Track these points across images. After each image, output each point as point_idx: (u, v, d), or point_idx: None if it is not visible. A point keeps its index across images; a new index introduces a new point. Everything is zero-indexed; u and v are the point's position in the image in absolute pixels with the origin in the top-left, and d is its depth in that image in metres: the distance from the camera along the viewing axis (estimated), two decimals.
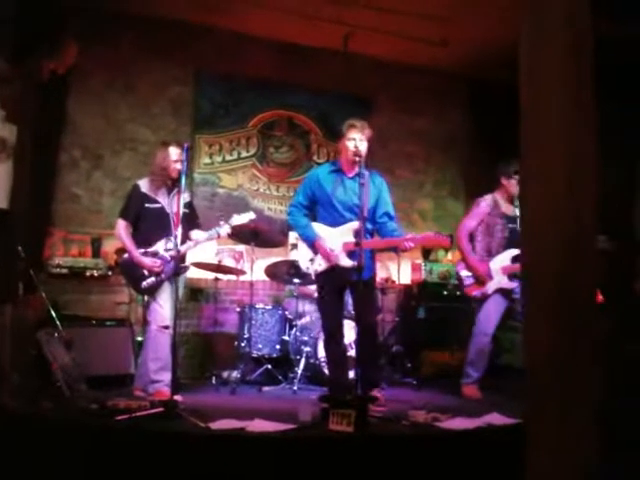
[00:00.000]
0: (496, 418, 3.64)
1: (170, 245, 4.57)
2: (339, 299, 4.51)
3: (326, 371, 5.08)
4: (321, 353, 5.33)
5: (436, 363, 6.29)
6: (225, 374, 5.62)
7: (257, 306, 5.87)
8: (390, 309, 6.57)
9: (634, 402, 3.29)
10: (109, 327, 5.47)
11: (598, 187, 2.14)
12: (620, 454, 2.61)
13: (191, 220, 4.82)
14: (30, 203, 5.44)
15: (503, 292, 4.95)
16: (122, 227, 4.67)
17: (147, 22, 6.39)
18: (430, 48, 6.83)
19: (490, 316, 4.99)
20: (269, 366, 5.67)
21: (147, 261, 4.57)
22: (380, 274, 5.83)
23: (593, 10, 2.16)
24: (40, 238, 5.84)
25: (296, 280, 5.72)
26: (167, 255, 4.58)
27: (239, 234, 5.34)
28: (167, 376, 4.31)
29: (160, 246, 4.62)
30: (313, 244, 4.41)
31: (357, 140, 4.33)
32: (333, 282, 4.43)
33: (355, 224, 4.22)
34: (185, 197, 4.65)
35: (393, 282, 6.32)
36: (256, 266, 5.73)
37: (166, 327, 4.45)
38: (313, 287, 5.93)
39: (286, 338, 5.77)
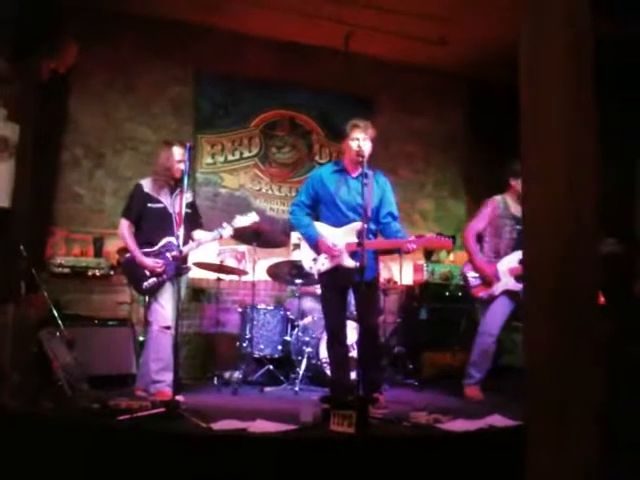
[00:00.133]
0: (498, 420, 3.63)
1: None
2: (342, 299, 4.50)
3: (328, 372, 5.08)
4: (323, 354, 5.33)
5: (438, 364, 6.28)
6: (227, 374, 5.62)
7: (259, 306, 5.86)
8: (392, 310, 6.56)
9: (635, 404, 3.28)
10: (111, 327, 5.48)
11: (598, 187, 2.14)
12: (621, 455, 2.60)
13: (193, 220, 4.81)
14: (32, 202, 5.45)
15: (510, 294, 4.93)
16: (125, 227, 4.67)
17: (147, 22, 6.38)
18: (430, 48, 6.83)
19: (496, 317, 4.97)
20: (271, 367, 5.67)
21: (149, 261, 4.57)
22: (382, 275, 5.82)
23: (593, 10, 2.16)
24: (42, 237, 5.84)
25: (298, 280, 5.72)
26: (169, 256, 4.58)
27: (241, 234, 5.34)
28: (169, 376, 4.31)
29: (169, 240, 4.61)
30: (315, 243, 4.40)
31: (360, 140, 4.33)
32: (336, 282, 4.42)
33: (358, 224, 4.22)
34: (188, 197, 4.65)
35: (395, 283, 6.31)
36: (258, 266, 5.74)
37: (167, 327, 4.46)
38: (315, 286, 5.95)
39: (288, 339, 5.76)
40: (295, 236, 6.38)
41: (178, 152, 4.67)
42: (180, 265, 4.40)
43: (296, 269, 5.64)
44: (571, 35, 2.14)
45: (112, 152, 6.42)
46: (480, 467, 3.24)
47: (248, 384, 5.50)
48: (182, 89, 6.72)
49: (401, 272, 6.10)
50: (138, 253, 4.58)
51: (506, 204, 5.06)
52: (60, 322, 4.80)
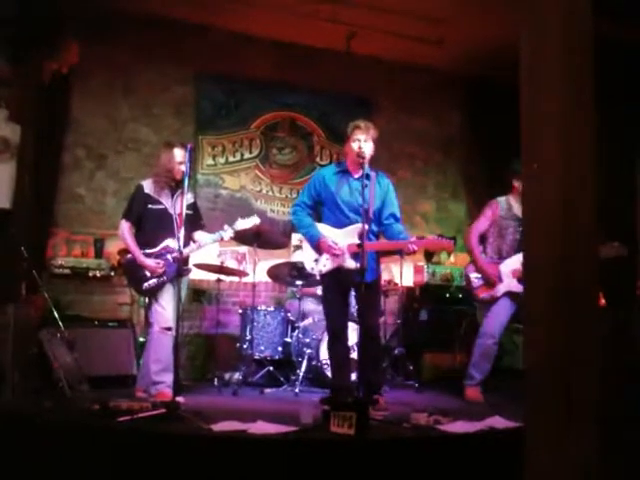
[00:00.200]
0: (498, 421, 3.62)
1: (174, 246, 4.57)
2: (343, 300, 4.50)
3: (328, 373, 5.08)
4: (323, 355, 5.33)
5: (438, 365, 6.27)
6: (227, 376, 5.63)
7: (259, 308, 5.87)
8: (392, 311, 6.55)
9: (636, 405, 3.28)
10: (111, 328, 5.49)
11: (598, 187, 2.14)
12: (621, 456, 2.60)
13: (195, 221, 4.81)
14: (33, 203, 5.47)
15: (512, 295, 4.92)
16: (125, 228, 4.67)
17: (147, 23, 6.37)
18: (429, 48, 6.83)
19: (498, 319, 4.96)
20: (271, 368, 5.66)
21: (150, 262, 4.57)
22: (383, 276, 5.82)
23: (594, 10, 2.16)
24: (43, 238, 5.85)
25: (298, 282, 5.71)
26: (170, 257, 4.58)
27: (242, 236, 5.34)
28: (169, 377, 4.31)
29: (169, 243, 4.61)
30: (316, 243, 4.39)
31: (361, 141, 4.33)
32: (337, 283, 4.42)
33: (360, 226, 4.21)
34: (189, 198, 4.65)
35: (395, 284, 6.31)
36: (258, 268, 5.73)
37: (168, 329, 4.45)
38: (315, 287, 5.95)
39: (288, 340, 5.76)
40: (296, 237, 6.38)
41: (179, 154, 4.66)
42: (181, 266, 4.40)
43: (296, 270, 5.64)
44: (571, 35, 2.14)
45: (113, 153, 6.42)
46: (480, 469, 3.24)
47: (248, 385, 5.50)
48: (183, 90, 6.72)
49: (401, 274, 6.10)
50: (139, 254, 4.58)
51: (509, 205, 5.06)
52: (60, 323, 4.80)
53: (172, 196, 4.72)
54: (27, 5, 5.28)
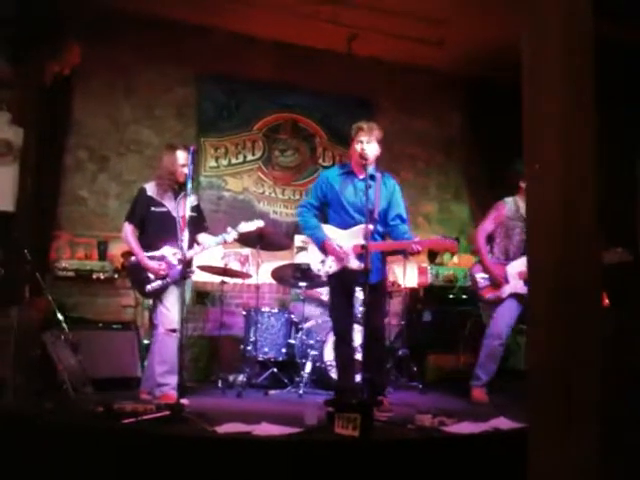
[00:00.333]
0: (503, 422, 3.62)
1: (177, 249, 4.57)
2: (349, 301, 4.51)
3: (332, 374, 5.08)
4: (327, 357, 5.33)
5: (442, 367, 6.27)
6: (231, 377, 5.63)
7: (263, 309, 5.86)
8: (396, 312, 6.55)
9: (637, 406, 3.27)
10: (115, 330, 5.49)
11: (598, 188, 2.14)
12: (622, 457, 2.59)
13: (198, 224, 4.80)
14: (36, 206, 5.47)
15: (518, 297, 4.92)
16: (129, 230, 4.67)
17: (147, 23, 6.37)
18: (430, 49, 6.84)
19: (504, 320, 4.96)
20: (275, 369, 5.66)
21: (153, 264, 4.57)
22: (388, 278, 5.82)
23: (594, 11, 2.16)
24: (46, 241, 5.86)
25: (302, 283, 5.71)
26: (174, 259, 4.58)
27: (245, 238, 5.34)
28: (173, 379, 4.32)
29: (167, 251, 4.61)
30: (322, 245, 4.40)
31: (364, 143, 4.34)
32: (343, 284, 4.42)
33: (365, 226, 4.21)
34: (192, 200, 4.63)
35: (399, 285, 6.31)
36: (262, 269, 5.73)
37: (173, 330, 4.44)
38: (319, 290, 5.94)
39: (292, 341, 5.76)
40: (299, 239, 6.38)
41: (182, 156, 4.66)
42: (185, 268, 4.40)
43: (300, 272, 5.64)
44: (572, 36, 2.14)
45: (116, 155, 6.43)
46: (485, 470, 3.23)
47: (252, 387, 5.50)
48: (184, 91, 6.73)
49: (405, 275, 6.09)
50: (142, 256, 4.58)
51: (517, 206, 5.05)
52: (64, 325, 4.80)
53: (175, 199, 4.72)
54: (27, 5, 5.28)
